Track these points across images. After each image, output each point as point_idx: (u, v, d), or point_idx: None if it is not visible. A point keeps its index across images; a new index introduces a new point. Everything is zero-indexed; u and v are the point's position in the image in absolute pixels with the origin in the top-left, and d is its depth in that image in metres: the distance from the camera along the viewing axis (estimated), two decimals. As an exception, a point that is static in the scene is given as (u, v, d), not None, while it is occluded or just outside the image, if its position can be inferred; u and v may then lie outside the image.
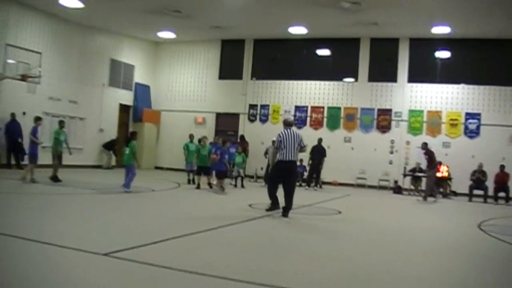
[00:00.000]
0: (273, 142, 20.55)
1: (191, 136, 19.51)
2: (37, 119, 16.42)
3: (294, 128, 11.98)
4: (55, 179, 15.54)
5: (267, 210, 11.62)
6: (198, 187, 17.07)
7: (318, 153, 21.13)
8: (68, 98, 22.71)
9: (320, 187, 21.15)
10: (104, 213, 10.40)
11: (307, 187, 20.73)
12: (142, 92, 27.43)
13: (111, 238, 7.56)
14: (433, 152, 18.98)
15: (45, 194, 13.04)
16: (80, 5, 20.30)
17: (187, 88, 27.77)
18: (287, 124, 11.83)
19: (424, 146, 19.07)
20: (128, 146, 14.58)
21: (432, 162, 18.77)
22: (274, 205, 11.57)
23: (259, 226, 10.20)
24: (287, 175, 11.46)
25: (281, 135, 11.44)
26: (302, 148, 11.65)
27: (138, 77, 27.29)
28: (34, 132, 15.75)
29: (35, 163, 15.42)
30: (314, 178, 21.29)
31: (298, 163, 20.74)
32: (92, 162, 23.76)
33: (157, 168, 26.89)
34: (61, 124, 16.49)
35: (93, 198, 12.89)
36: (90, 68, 24.12)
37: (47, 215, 9.37)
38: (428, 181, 18.95)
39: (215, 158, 16.82)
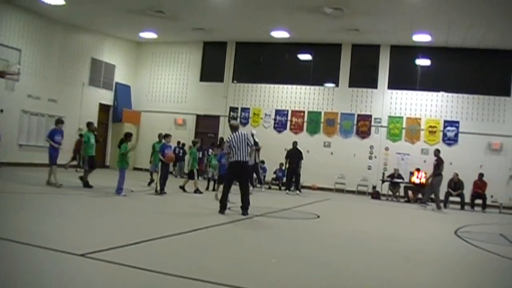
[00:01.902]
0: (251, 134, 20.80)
1: (160, 136, 18.25)
2: (58, 122, 15.81)
3: (241, 130, 12.49)
4: (86, 185, 14.99)
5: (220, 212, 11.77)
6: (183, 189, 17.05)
7: (295, 156, 21.12)
8: (47, 97, 22.47)
9: (299, 191, 21.14)
10: (82, 213, 10.31)
11: (287, 191, 20.72)
12: (123, 92, 27.28)
13: (88, 238, 7.49)
14: (442, 161, 18.92)
15: (22, 193, 12.91)
16: (62, 2, 20.11)
17: (168, 89, 27.69)
18: (233, 128, 12.33)
19: (437, 152, 19.09)
20: (119, 148, 14.42)
21: (437, 170, 18.70)
22: (222, 209, 11.74)
23: (236, 229, 10.19)
24: (240, 175, 11.93)
25: (228, 139, 11.92)
26: (255, 146, 11.92)
27: (119, 77, 27.14)
28: (50, 135, 15.28)
29: (52, 165, 14.94)
30: (293, 182, 21.30)
31: (277, 167, 20.98)
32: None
33: (136, 169, 26.71)
34: (90, 126, 16.06)
35: (71, 198, 12.77)
36: (71, 67, 23.91)
37: (24, 214, 9.25)
38: (433, 188, 18.83)
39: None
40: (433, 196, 18.93)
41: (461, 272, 7.61)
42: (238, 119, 26.04)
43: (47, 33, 22.50)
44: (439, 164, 18.73)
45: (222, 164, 15.87)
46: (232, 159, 11.78)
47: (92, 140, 15.69)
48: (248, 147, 11.82)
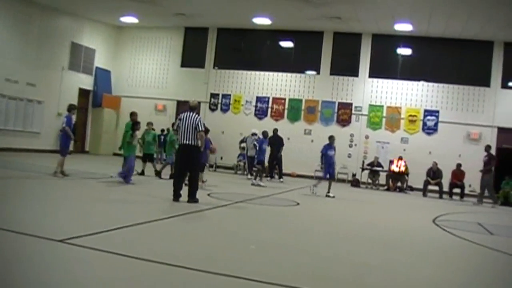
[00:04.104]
0: (252, 134, 20.99)
1: (149, 124, 18.01)
2: (72, 108, 14.50)
3: (195, 113, 11.33)
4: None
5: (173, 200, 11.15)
6: (142, 173, 16.75)
7: (275, 142, 21.19)
8: (26, 81, 22.06)
9: (281, 178, 21.16)
10: (60, 199, 10.21)
11: (269, 178, 20.76)
12: (103, 77, 27.02)
13: (67, 224, 7.41)
14: (494, 157, 18.89)
15: (1, 178, 12.78)
16: (41, -16, 19.81)
17: (149, 75, 27.49)
18: (189, 107, 11.60)
19: (488, 148, 19.05)
20: (125, 136, 14.26)
21: (488, 165, 18.56)
22: (175, 197, 11.09)
23: (217, 216, 10.18)
24: (186, 159, 11.20)
25: (180, 117, 11.31)
26: (198, 133, 11.22)
27: (99, 61, 26.83)
28: (69, 122, 13.94)
29: (65, 155, 14.07)
30: (276, 169, 21.37)
31: (253, 154, 20.98)
32: (49, 146, 23.05)
33: (115, 154, 26.54)
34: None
35: (50, 184, 12.65)
36: (50, 51, 23.50)
37: (2, 200, 9.15)
38: (483, 183, 18.66)
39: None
40: (486, 193, 18.67)
41: (437, 259, 7.68)
42: (219, 106, 25.97)
43: (25, 16, 22.06)
44: (490, 160, 18.65)
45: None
46: (179, 142, 11.34)
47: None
48: (196, 132, 10.99)
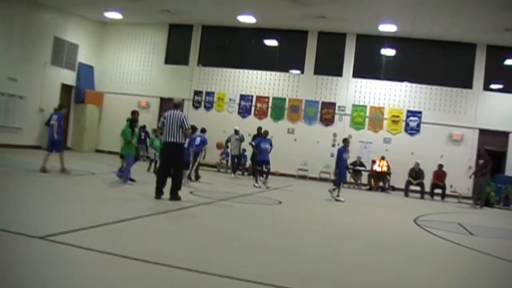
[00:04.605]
0: (235, 130, 21.03)
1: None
2: (63, 107, 15.64)
3: (179, 111, 11.41)
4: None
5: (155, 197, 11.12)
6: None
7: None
8: (7, 75, 21.66)
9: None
10: (42, 195, 10.14)
11: (252, 177, 20.74)
12: (86, 72, 26.79)
13: (48, 221, 7.36)
14: (489, 160, 18.74)
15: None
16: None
17: (132, 71, 27.32)
18: (173, 104, 11.60)
19: (483, 151, 19.10)
20: (123, 134, 14.06)
21: (484, 169, 18.57)
22: (157, 194, 11.07)
23: (199, 214, 10.17)
24: (170, 157, 11.25)
25: (165, 115, 11.29)
26: (185, 131, 11.22)
27: (82, 57, 26.57)
28: (60, 120, 14.39)
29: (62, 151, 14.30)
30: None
31: (236, 153, 21.03)
32: (31, 142, 22.89)
33: (98, 151, 26.41)
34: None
35: (30, 179, 12.54)
36: (32, 45, 23.15)
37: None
38: (477, 186, 18.76)
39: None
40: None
41: (417, 259, 7.73)
42: (203, 103, 25.90)
43: (7, 9, 21.70)
44: (486, 163, 18.67)
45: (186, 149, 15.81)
46: (164, 139, 11.35)
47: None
48: (181, 129, 11.07)
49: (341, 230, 9.95)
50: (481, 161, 18.99)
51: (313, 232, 9.20)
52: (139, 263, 5.52)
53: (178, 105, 11.60)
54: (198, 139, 17.23)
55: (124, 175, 13.55)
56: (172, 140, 11.08)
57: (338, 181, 15.89)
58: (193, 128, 16.18)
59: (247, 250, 7.08)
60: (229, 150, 21.93)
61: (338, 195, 15.41)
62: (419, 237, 10.03)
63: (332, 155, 23.61)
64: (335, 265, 6.66)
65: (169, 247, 6.66)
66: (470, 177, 19.36)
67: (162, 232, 7.79)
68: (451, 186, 21.11)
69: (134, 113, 14.35)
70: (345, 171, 16.25)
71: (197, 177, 17.18)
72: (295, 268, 6.29)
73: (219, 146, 21.12)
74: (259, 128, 21.62)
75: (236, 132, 21.61)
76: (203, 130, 18.13)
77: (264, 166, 17.79)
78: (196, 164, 16.66)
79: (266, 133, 19.35)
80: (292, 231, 9.17)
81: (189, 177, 16.05)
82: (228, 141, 21.85)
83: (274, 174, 23.56)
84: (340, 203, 14.87)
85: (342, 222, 11.24)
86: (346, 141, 16.24)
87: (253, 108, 25.33)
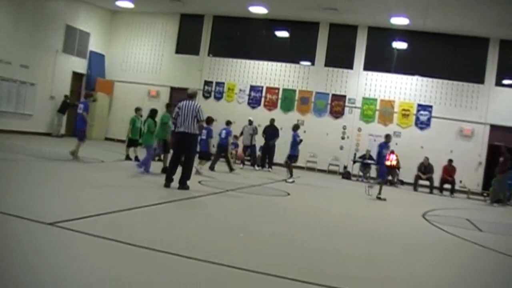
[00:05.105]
0: (249, 121, 21.13)
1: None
2: (88, 96, 15.88)
3: (194, 101, 11.43)
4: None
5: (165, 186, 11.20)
6: (128, 158, 16.54)
7: (270, 133, 21.14)
8: (19, 62, 21.69)
9: (271, 168, 21.13)
10: (51, 182, 10.18)
11: (257, 167, 20.75)
12: (97, 61, 26.83)
13: (57, 207, 7.39)
14: (509, 158, 18.40)
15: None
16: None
17: (143, 60, 27.33)
18: (188, 95, 11.58)
19: (504, 149, 18.81)
20: (145, 125, 14.24)
21: (504, 166, 18.38)
22: (166, 182, 11.15)
23: (206, 203, 10.18)
24: (182, 147, 11.30)
25: (179, 105, 11.27)
26: (199, 123, 11.28)
27: (93, 45, 26.61)
28: (86, 108, 14.78)
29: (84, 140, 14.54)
30: (268, 159, 21.33)
31: (248, 143, 21.10)
32: (41, 129, 23.01)
33: (107, 139, 26.49)
34: (168, 108, 15.45)
35: (41, 166, 12.59)
36: (44, 33, 23.15)
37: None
38: (502, 185, 18.59)
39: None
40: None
41: (425, 254, 7.72)
42: (213, 93, 25.89)
43: (20, -4, 21.81)
44: (506, 161, 18.47)
45: (204, 140, 15.85)
46: (176, 129, 11.29)
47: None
48: (195, 120, 11.09)
49: (347, 222, 9.94)
50: (501, 159, 18.70)
51: (319, 224, 9.20)
52: (142, 250, 5.55)
53: (193, 95, 11.63)
54: (224, 132, 17.35)
55: (143, 165, 13.57)
56: (184, 130, 11.07)
57: (380, 177, 15.46)
58: (210, 119, 16.17)
59: (253, 240, 7.08)
60: (240, 140, 21.78)
61: (379, 193, 14.71)
62: (427, 232, 10.01)
63: (341, 148, 23.67)
64: (339, 258, 6.65)
65: (174, 235, 6.68)
66: (495, 175, 18.98)
67: (168, 220, 7.80)
68: (460, 182, 21.03)
69: (169, 106, 14.60)
70: (385, 169, 15.72)
71: (231, 169, 17.54)
72: (296, 259, 6.29)
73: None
74: (272, 120, 21.60)
75: (250, 122, 21.58)
76: (228, 123, 18.27)
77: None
78: (230, 157, 17.68)
79: (297, 127, 18.59)
80: (299, 222, 9.17)
81: (211, 168, 16.52)
82: (242, 132, 21.77)
83: (283, 165, 23.56)
84: (344, 197, 14.82)
85: (350, 215, 11.22)
86: (388, 137, 15.53)
87: (263, 99, 25.27)
